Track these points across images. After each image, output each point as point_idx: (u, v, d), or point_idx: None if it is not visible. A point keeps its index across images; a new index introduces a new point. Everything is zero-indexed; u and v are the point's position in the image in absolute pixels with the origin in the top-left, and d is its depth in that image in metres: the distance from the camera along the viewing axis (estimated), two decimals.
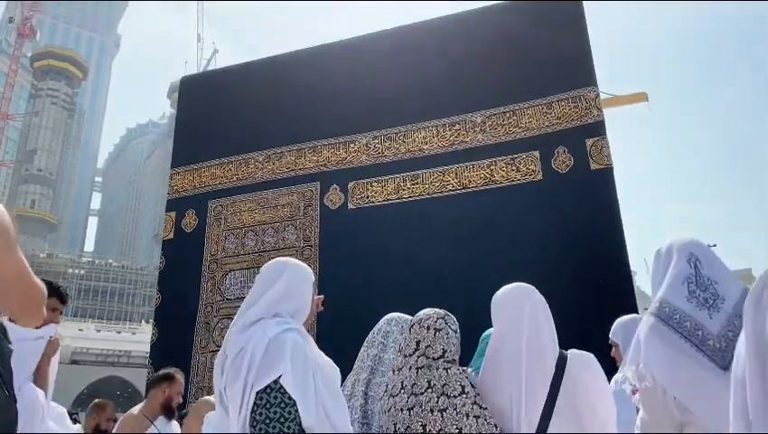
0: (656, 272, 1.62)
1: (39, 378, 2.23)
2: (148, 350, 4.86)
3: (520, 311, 1.70)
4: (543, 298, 1.78)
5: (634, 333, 1.58)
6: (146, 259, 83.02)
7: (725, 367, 1.35)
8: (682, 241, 1.60)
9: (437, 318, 1.78)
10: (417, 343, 1.72)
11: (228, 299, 4.52)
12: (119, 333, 43.68)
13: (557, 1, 4.49)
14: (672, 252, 1.59)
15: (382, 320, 2.26)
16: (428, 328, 1.74)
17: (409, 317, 1.99)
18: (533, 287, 1.82)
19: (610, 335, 2.56)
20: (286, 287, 1.78)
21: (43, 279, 2.15)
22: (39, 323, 1.42)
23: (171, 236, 4.94)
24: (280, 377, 1.53)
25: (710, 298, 1.48)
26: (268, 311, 1.71)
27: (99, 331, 43.71)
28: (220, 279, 4.61)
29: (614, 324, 2.58)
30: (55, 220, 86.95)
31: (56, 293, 2.55)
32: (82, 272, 64.97)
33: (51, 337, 2.33)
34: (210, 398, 2.64)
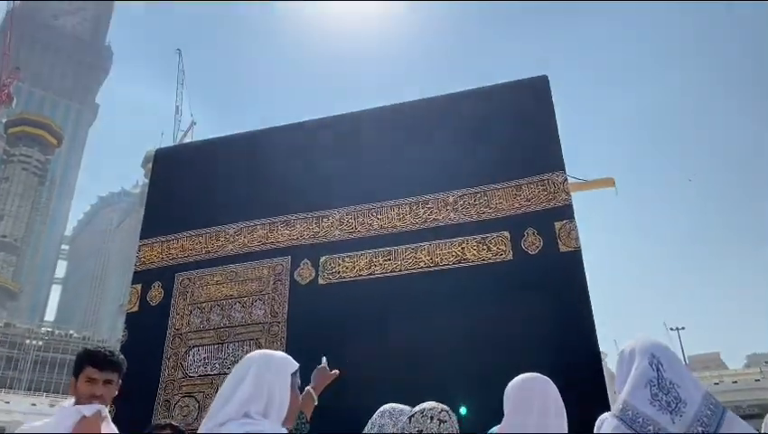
0: (620, 373, 1.65)
1: None
2: None
3: (530, 403, 1.69)
4: (557, 391, 1.77)
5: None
6: (109, 331, 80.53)
7: None
8: (645, 343, 1.64)
9: (442, 410, 1.76)
10: (420, 432, 1.69)
11: (190, 376, 4.37)
12: None
13: (525, 88, 4.69)
14: (635, 354, 1.61)
15: (376, 414, 2.20)
16: (432, 418, 1.72)
17: (403, 407, 1.94)
18: (547, 379, 1.81)
19: None
20: (254, 385, 1.72)
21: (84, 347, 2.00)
22: None
23: (135, 309, 4.81)
24: None
25: (673, 402, 1.49)
26: (238, 411, 1.66)
27: (54, 406, 41.69)
28: (182, 355, 4.47)
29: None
30: (16, 288, 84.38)
31: (89, 359, 2.25)
32: (40, 343, 62.49)
33: (84, 416, 2.08)
34: None
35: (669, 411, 1.45)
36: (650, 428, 1.43)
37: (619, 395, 1.58)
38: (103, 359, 2.32)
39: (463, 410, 3.41)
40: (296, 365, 1.87)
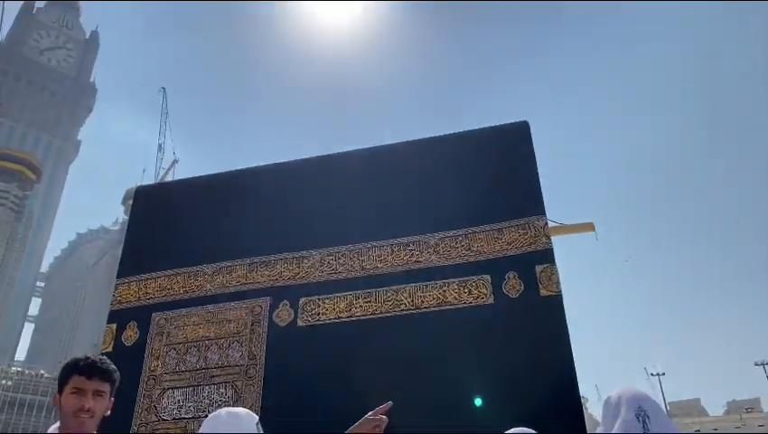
0: (605, 420, 1.65)
1: None
2: None
3: None
4: None
5: None
6: None
7: None
8: (632, 394, 1.65)
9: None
10: None
11: (164, 420, 4.24)
12: None
13: (506, 133, 4.76)
14: (621, 404, 1.62)
15: None
16: None
17: None
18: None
19: None
20: None
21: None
22: None
23: (110, 349, 4.69)
24: None
25: None
26: None
27: None
28: (157, 398, 4.35)
29: None
30: None
31: (76, 367, 2.01)
32: (10, 383, 60.72)
33: None
34: None
35: None
36: None
37: None
38: (92, 366, 2.06)
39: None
40: (256, 418, 1.86)
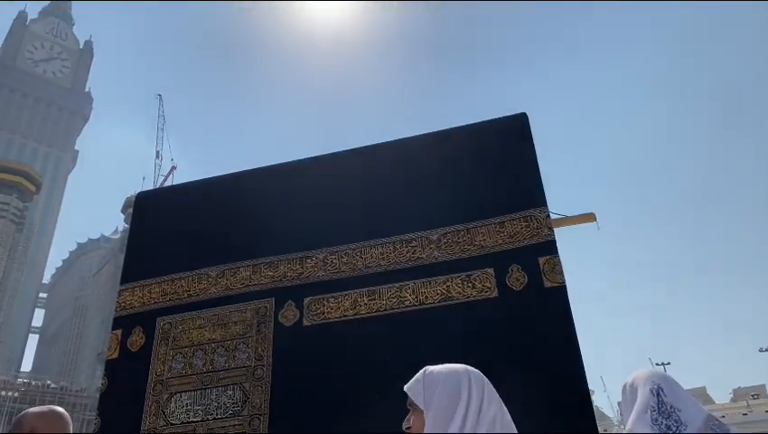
0: (625, 406, 1.67)
1: None
2: None
3: None
4: None
5: None
6: (88, 380, 78.38)
7: None
8: (645, 373, 1.67)
9: None
10: None
11: (172, 424, 4.25)
12: None
13: (505, 126, 4.76)
14: (637, 385, 1.63)
15: None
16: None
17: None
18: None
19: None
20: None
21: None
22: None
23: (115, 355, 4.70)
24: None
25: (673, 425, 1.50)
26: None
27: None
28: (164, 402, 4.35)
29: None
30: None
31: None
32: (16, 395, 60.71)
33: None
34: None
35: None
36: None
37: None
38: None
39: None
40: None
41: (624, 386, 1.66)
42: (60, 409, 2.71)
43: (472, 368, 1.49)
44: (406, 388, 1.47)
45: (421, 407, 1.39)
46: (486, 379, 1.46)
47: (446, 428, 1.37)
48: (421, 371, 1.47)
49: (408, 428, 1.45)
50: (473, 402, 1.37)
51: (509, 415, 1.46)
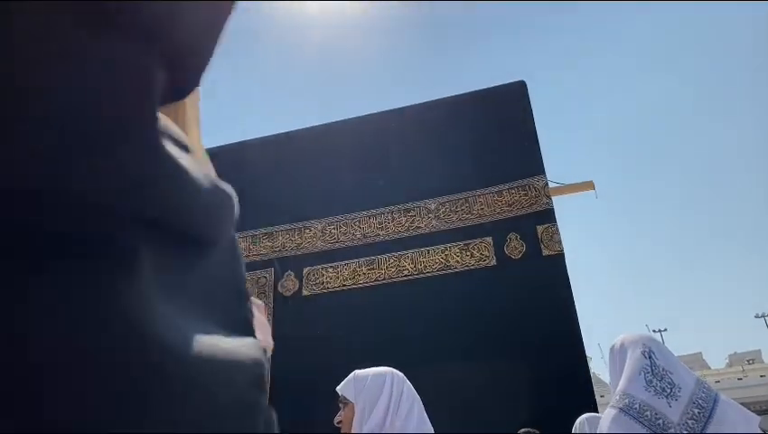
0: (613, 368, 1.67)
1: None
2: None
3: None
4: None
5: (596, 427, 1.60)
6: None
7: None
8: (635, 336, 1.67)
9: None
10: None
11: None
12: None
13: (503, 94, 4.72)
14: (626, 347, 1.64)
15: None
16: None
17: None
18: None
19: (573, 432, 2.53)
20: None
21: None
22: None
23: None
24: None
25: (667, 387, 1.52)
26: None
27: None
28: None
29: (577, 422, 2.55)
30: None
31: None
32: None
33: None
34: None
35: (665, 396, 1.48)
36: (648, 413, 1.46)
37: (612, 390, 1.61)
38: None
39: None
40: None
41: (612, 348, 1.66)
42: None
43: (397, 370, 1.62)
44: (338, 388, 1.59)
45: (352, 401, 1.53)
46: (407, 380, 1.59)
47: (372, 413, 1.51)
48: (351, 373, 1.60)
49: (339, 422, 1.56)
50: (394, 396, 1.52)
51: (424, 413, 1.58)
